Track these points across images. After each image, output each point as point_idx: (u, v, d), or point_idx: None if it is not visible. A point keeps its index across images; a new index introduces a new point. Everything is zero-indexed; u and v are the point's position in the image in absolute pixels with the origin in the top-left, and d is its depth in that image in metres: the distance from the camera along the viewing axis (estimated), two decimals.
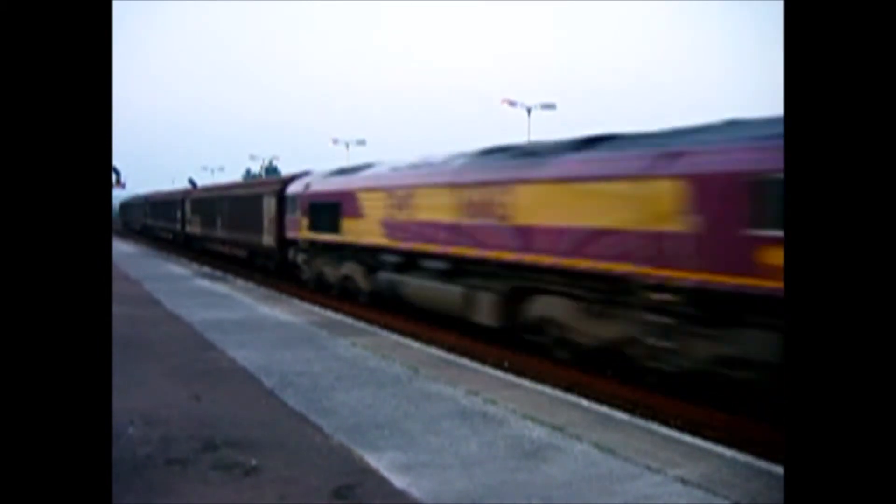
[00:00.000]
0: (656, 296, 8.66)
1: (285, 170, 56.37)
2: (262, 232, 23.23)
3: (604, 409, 7.63)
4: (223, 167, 80.00)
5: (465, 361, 10.07)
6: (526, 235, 10.83)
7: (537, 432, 6.54)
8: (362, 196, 16.34)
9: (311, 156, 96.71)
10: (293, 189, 20.63)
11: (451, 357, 10.35)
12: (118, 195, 53.90)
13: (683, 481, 5.36)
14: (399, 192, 14.67)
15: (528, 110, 39.59)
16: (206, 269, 25.34)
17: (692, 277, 8.11)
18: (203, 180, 50.90)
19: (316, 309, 15.27)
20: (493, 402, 7.56)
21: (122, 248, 34.67)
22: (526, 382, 8.84)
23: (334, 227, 17.46)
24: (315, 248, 19.33)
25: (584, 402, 7.89)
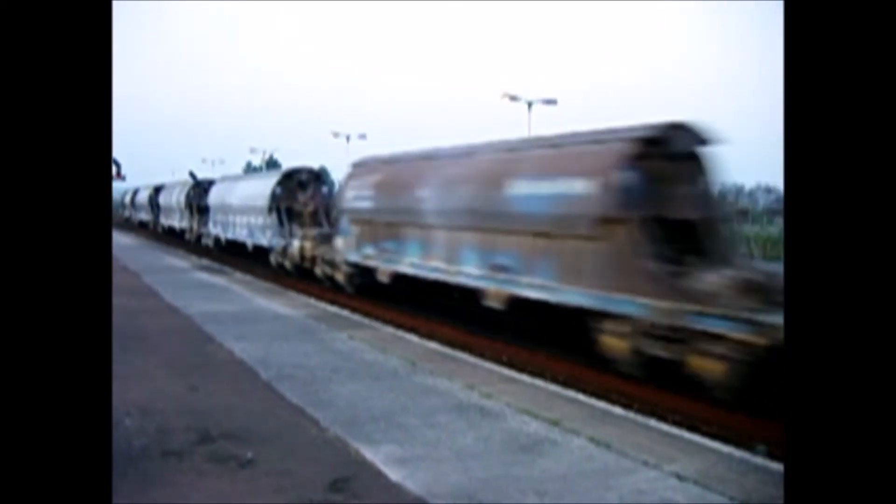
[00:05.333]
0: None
1: (286, 163, 55.48)
2: None
3: (601, 403, 7.64)
4: (223, 160, 79.72)
5: (463, 355, 10.07)
6: None
7: (534, 426, 6.54)
8: None
9: (311, 149, 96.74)
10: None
11: (449, 351, 10.35)
12: (118, 187, 54.03)
13: (679, 476, 5.36)
14: None
15: (529, 105, 39.49)
16: (206, 261, 25.34)
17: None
18: (203, 173, 50.46)
19: (314, 302, 15.27)
20: (491, 397, 7.56)
21: (121, 240, 34.64)
22: (524, 377, 8.84)
23: None
24: None
25: (582, 397, 7.89)
